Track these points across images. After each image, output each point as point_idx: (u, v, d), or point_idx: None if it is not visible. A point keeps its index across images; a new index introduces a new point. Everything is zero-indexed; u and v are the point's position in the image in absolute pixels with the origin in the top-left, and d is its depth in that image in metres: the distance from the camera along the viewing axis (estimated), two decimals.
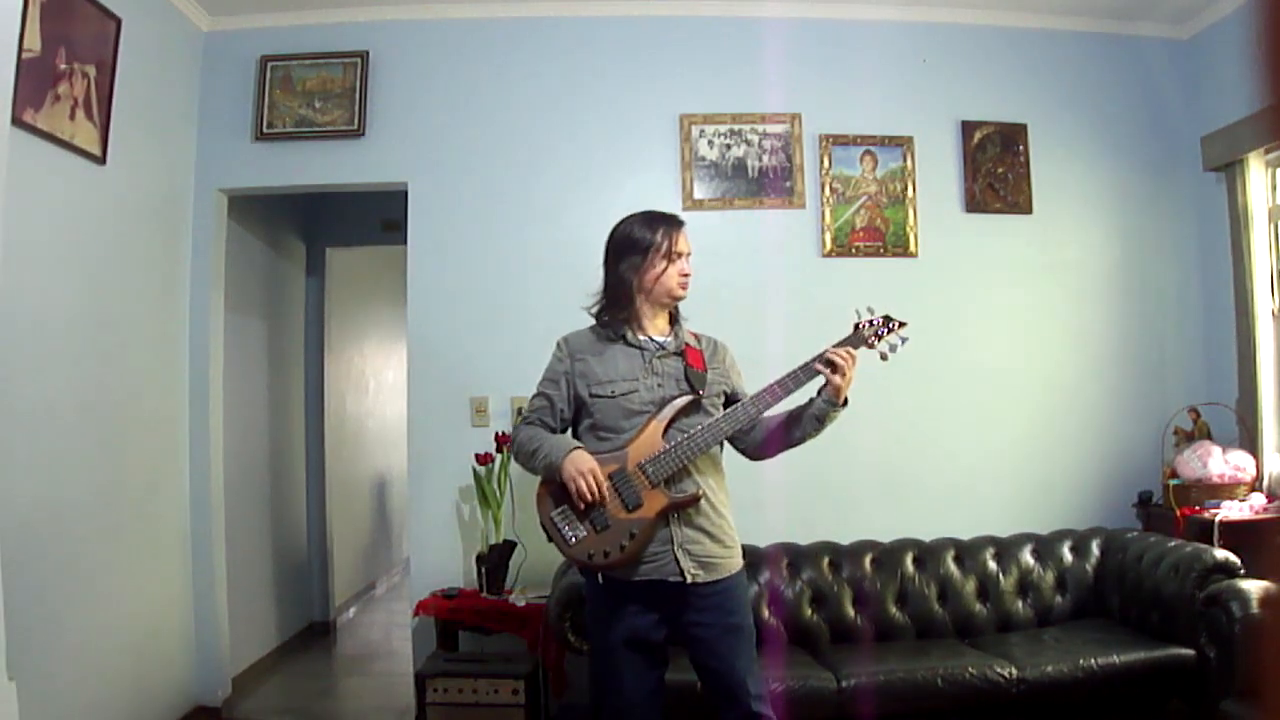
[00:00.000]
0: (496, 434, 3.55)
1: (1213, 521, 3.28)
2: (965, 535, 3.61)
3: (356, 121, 3.76)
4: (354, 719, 3.90)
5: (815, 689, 2.89)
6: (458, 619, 3.36)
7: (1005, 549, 3.55)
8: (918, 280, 3.80)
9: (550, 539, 2.16)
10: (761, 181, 3.82)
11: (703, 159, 3.81)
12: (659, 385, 2.18)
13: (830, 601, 3.39)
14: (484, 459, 3.49)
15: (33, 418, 2.73)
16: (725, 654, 2.13)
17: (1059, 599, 3.48)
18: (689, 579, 2.10)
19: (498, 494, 3.50)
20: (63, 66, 2.86)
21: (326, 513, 5.21)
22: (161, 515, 3.52)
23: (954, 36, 3.96)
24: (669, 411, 2.14)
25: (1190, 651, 2.96)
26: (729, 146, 3.82)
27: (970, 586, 3.47)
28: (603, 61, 3.85)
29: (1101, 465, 3.88)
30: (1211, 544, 3.19)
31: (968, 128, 3.92)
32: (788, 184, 3.82)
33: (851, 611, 3.39)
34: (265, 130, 3.78)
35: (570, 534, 2.12)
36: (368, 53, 3.79)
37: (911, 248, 3.85)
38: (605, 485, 2.08)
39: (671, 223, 2.24)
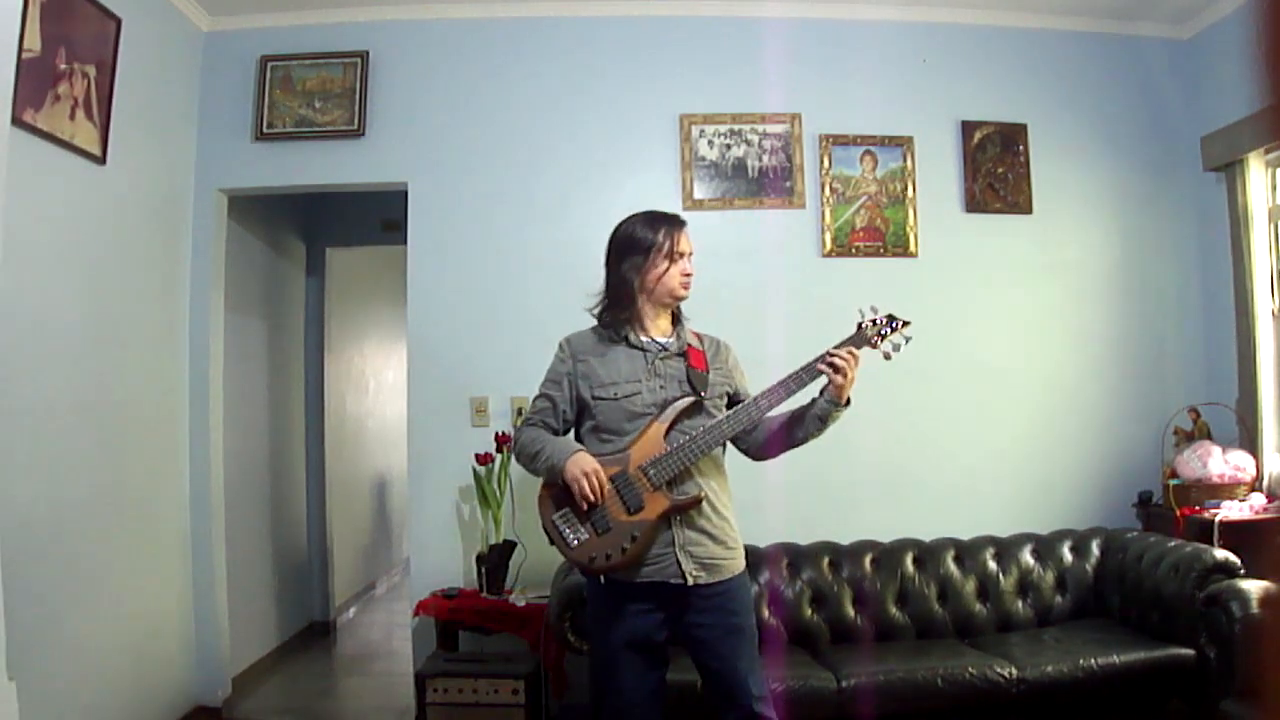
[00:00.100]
0: (496, 434, 3.55)
1: (1213, 521, 3.28)
2: (965, 535, 3.61)
3: (356, 121, 3.76)
4: (354, 719, 3.91)
5: (815, 689, 2.89)
6: (458, 619, 3.36)
7: (1005, 549, 3.55)
8: (918, 280, 3.80)
9: (552, 542, 2.16)
10: (761, 181, 3.82)
11: (703, 159, 3.81)
12: (661, 387, 2.18)
13: (830, 601, 3.39)
14: (484, 459, 3.49)
15: (33, 418, 2.73)
16: (727, 655, 2.13)
17: (1059, 599, 3.48)
18: (690, 581, 2.10)
19: (498, 494, 3.50)
20: (63, 66, 2.86)
21: (326, 513, 5.21)
22: (161, 515, 3.52)
23: (954, 36, 3.96)
24: (671, 413, 2.14)
25: (1190, 651, 2.96)
26: (729, 146, 3.82)
27: (970, 586, 3.47)
28: (603, 61, 3.85)
29: (1101, 465, 3.88)
30: (1211, 544, 3.19)
31: (968, 128, 3.92)
32: (788, 184, 3.82)
33: (851, 611, 3.39)
34: (265, 130, 3.78)
35: (572, 537, 2.12)
36: (368, 53, 3.79)
37: (911, 248, 3.85)
38: (607, 487, 2.08)
39: (673, 222, 2.24)
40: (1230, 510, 3.34)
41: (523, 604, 3.33)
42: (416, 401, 3.74)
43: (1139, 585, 3.26)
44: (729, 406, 2.25)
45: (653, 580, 2.11)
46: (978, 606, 3.45)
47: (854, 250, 3.83)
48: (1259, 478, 3.54)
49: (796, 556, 3.46)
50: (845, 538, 3.57)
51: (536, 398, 2.27)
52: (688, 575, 2.10)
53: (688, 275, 2.23)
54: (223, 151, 3.79)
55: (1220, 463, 3.49)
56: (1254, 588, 2.87)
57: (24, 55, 2.61)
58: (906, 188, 3.87)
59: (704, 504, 2.13)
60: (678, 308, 2.29)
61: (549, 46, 3.84)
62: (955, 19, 3.94)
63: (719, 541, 2.15)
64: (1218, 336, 3.88)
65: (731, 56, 3.86)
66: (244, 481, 4.22)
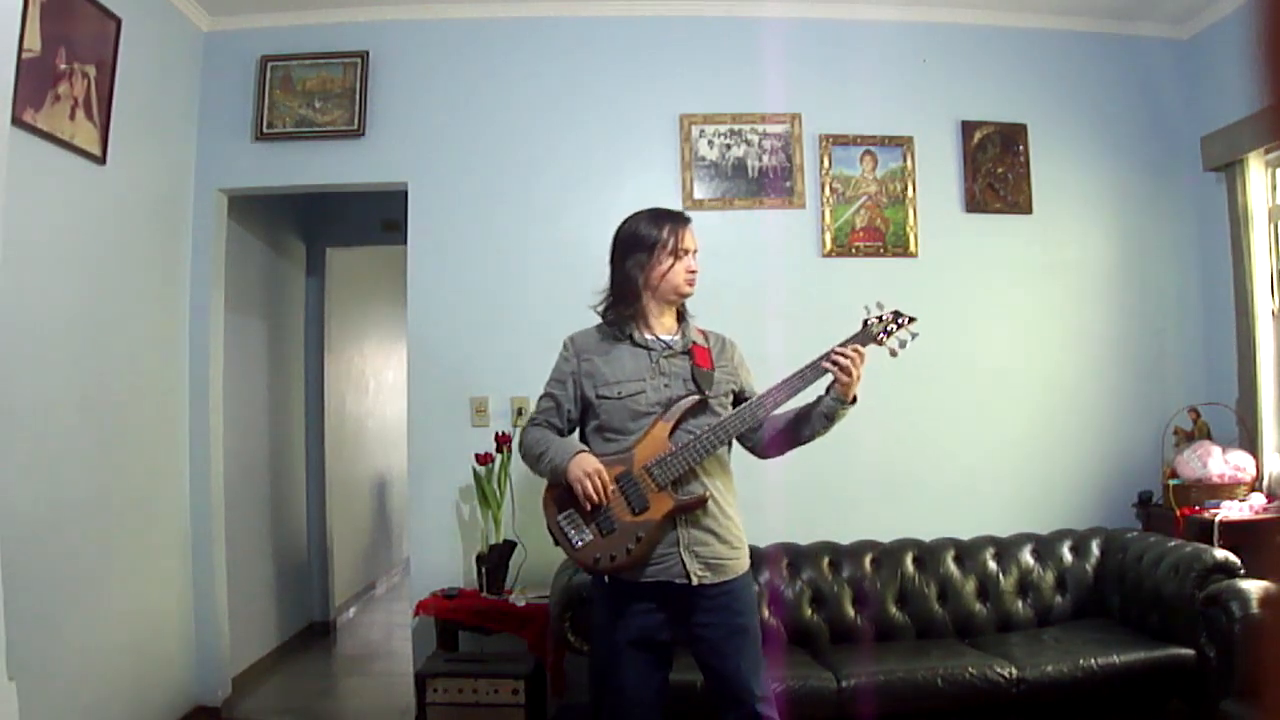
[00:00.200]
0: (496, 434, 3.54)
1: (1213, 521, 3.28)
2: (965, 535, 3.61)
3: (356, 121, 3.76)
4: (354, 719, 3.91)
5: (815, 689, 2.90)
6: (458, 619, 3.36)
7: (1005, 549, 3.55)
8: (918, 280, 3.79)
9: (557, 543, 2.16)
10: (761, 181, 3.82)
11: (703, 159, 3.81)
12: (666, 386, 2.17)
13: (830, 601, 3.39)
14: (484, 459, 3.49)
15: (32, 418, 2.72)
16: (730, 654, 2.12)
17: (1059, 599, 3.48)
18: (695, 581, 2.09)
19: (498, 494, 3.50)
20: (63, 66, 2.86)
21: (326, 513, 5.21)
22: (161, 515, 3.52)
23: (954, 36, 3.96)
24: (676, 412, 2.13)
25: (1190, 651, 2.96)
26: (729, 146, 3.82)
27: (970, 586, 3.47)
28: (603, 61, 3.85)
29: (1101, 465, 3.88)
30: (1211, 544, 3.19)
31: (968, 128, 3.92)
32: (788, 184, 3.82)
33: (851, 611, 3.39)
34: (265, 130, 3.78)
35: (576, 538, 2.11)
36: (368, 53, 3.79)
37: (911, 248, 3.85)
38: (611, 487, 2.07)
39: (678, 220, 2.23)
40: (1230, 510, 3.34)
41: (523, 604, 3.33)
42: (416, 401, 3.74)
43: (1139, 585, 3.26)
44: (735, 404, 2.24)
45: (657, 580, 2.10)
46: (978, 606, 3.45)
47: (854, 250, 3.83)
48: (1259, 478, 3.54)
49: (796, 556, 3.46)
50: (845, 538, 3.57)
51: (541, 397, 2.26)
52: (692, 575, 2.09)
53: (693, 272, 2.22)
54: (223, 151, 3.79)
55: (1220, 463, 3.49)
56: (1254, 588, 2.87)
57: (24, 55, 2.61)
58: (906, 188, 3.87)
59: (709, 504, 2.13)
60: (683, 305, 2.28)
61: (549, 46, 3.84)
62: (955, 19, 3.94)
63: (724, 541, 2.15)
64: (1218, 336, 3.88)
65: (731, 56, 3.86)
66: (244, 481, 4.22)
